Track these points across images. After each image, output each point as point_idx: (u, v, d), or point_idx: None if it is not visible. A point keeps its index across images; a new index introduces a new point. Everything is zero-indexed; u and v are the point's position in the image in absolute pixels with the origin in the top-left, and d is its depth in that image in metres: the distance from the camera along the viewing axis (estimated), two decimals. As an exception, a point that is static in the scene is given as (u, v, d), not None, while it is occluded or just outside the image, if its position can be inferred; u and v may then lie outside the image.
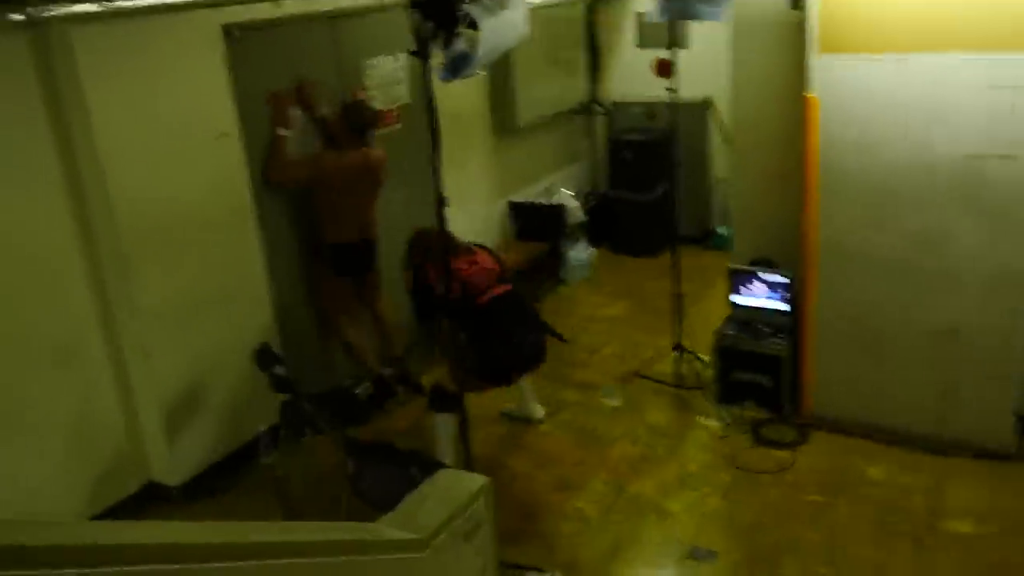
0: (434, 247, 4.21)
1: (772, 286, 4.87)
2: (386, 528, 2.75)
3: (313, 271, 5.18)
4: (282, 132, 4.80)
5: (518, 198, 6.98)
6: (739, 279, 4.98)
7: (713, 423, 4.92)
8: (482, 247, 4.67)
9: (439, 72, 3.23)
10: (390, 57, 5.55)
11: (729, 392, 5.03)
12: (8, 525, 2.19)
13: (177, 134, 4.34)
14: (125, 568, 1.72)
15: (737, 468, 4.51)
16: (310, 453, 4.41)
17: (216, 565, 1.99)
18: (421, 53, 3.21)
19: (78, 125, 4.00)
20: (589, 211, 7.59)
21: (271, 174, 4.82)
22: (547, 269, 7.16)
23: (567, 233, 6.99)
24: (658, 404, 5.20)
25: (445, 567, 2.85)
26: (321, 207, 4.97)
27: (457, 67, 3.15)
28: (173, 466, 4.56)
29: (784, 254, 4.88)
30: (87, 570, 1.63)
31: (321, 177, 4.87)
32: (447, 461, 4.24)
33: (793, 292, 4.80)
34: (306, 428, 4.24)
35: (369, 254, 5.17)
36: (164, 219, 4.32)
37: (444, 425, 4.40)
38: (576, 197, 7.52)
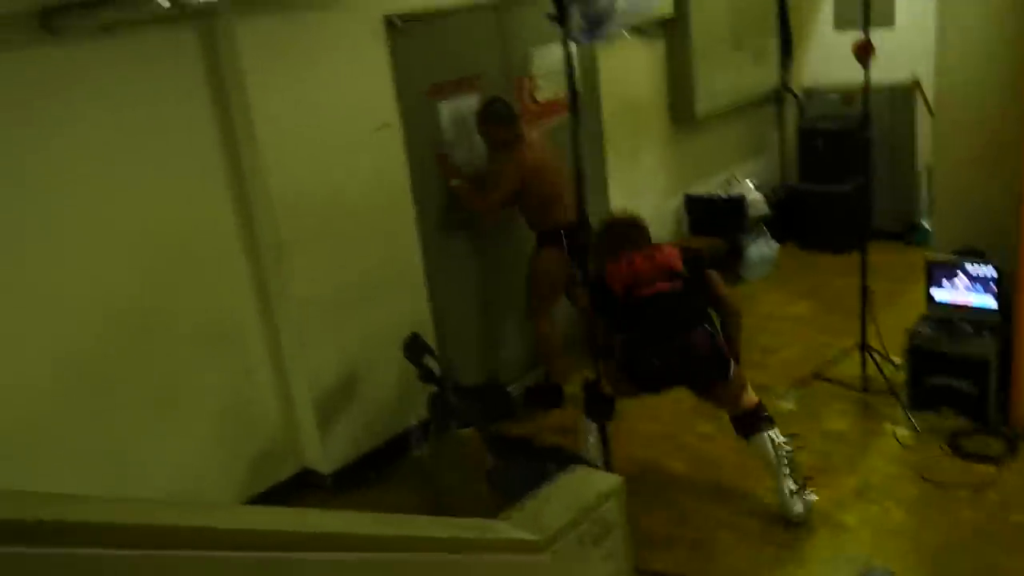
0: (624, 238, 3.96)
1: (977, 280, 4.28)
2: (506, 526, 2.59)
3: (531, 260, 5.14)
4: (455, 183, 4.88)
5: (696, 192, 6.62)
6: (939, 272, 4.42)
7: (902, 431, 4.39)
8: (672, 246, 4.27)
9: (578, 35, 3.05)
10: (558, 45, 5.41)
11: (923, 398, 4.48)
12: (159, 507, 2.24)
13: (337, 125, 4.38)
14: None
15: (927, 481, 3.98)
16: (460, 446, 4.33)
17: (318, 555, 1.91)
18: (559, 17, 3.05)
19: (240, 116, 4.11)
20: (775, 205, 7.11)
21: (486, 217, 4.98)
22: (725, 266, 6.75)
23: (747, 227, 6.55)
24: (838, 410, 4.72)
25: (568, 572, 2.65)
26: (523, 208, 5.01)
27: (594, 28, 2.96)
28: (326, 454, 4.61)
29: (993, 244, 4.29)
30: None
31: (510, 188, 4.85)
32: (592, 460, 3.92)
33: (1003, 287, 4.20)
34: (451, 421, 4.18)
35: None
36: (322, 209, 4.37)
37: (592, 427, 4.03)
38: (761, 190, 7.07)
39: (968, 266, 4.28)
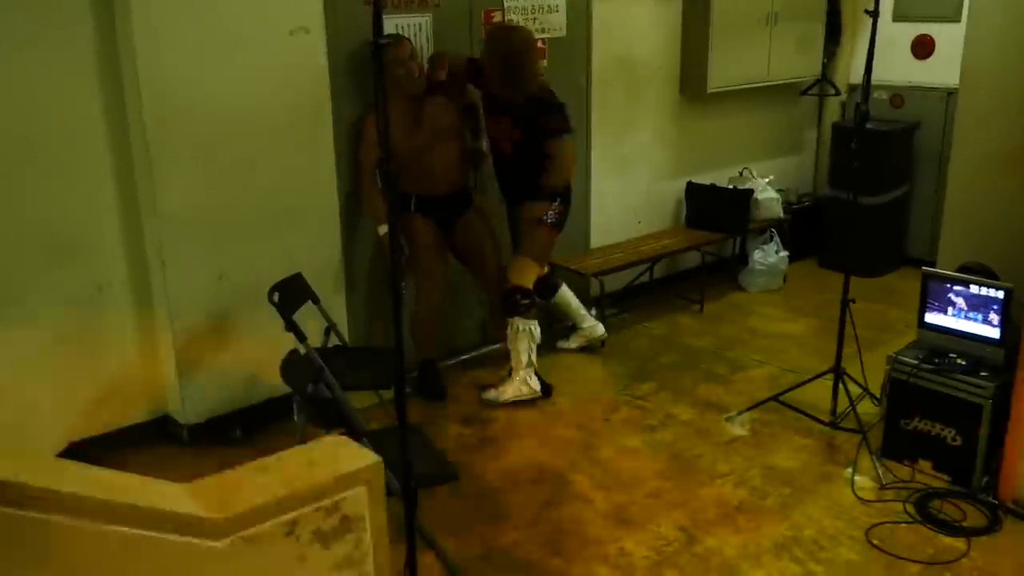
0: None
1: (979, 303, 3.37)
2: (186, 494, 1.87)
3: None
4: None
5: (702, 181, 5.76)
6: (934, 288, 3.52)
7: (864, 481, 3.50)
8: None
9: None
10: (541, -24, 4.67)
11: (898, 443, 3.58)
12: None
13: (240, 22, 3.73)
14: None
15: (875, 547, 3.10)
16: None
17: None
18: None
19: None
20: (798, 212, 6.19)
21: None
22: (723, 269, 5.89)
23: (749, 228, 5.66)
24: (795, 444, 3.84)
25: (263, 572, 1.91)
26: None
27: None
28: (186, 402, 3.95)
29: (1008, 264, 3.39)
30: None
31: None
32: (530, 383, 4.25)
33: (1010, 316, 3.28)
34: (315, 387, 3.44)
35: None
36: (211, 117, 3.72)
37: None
38: (786, 194, 6.16)
39: (972, 286, 3.37)
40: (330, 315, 3.85)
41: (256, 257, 3.97)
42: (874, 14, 3.47)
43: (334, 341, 3.89)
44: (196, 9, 3.61)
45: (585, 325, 4.81)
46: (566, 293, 4.75)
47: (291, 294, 3.70)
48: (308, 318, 3.65)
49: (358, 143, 4.19)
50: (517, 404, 4.22)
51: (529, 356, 4.26)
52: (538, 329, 4.28)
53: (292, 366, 3.47)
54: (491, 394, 4.29)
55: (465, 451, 3.86)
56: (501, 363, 4.46)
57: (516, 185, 4.28)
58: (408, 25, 4.28)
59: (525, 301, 4.15)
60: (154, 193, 3.68)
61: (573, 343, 4.85)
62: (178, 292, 3.83)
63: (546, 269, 4.50)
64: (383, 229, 4.17)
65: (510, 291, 4.16)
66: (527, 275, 4.17)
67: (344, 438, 2.11)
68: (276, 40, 3.86)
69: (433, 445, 3.18)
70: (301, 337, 3.50)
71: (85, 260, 3.72)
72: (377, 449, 2.11)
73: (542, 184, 4.09)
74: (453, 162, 4.31)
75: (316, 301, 3.80)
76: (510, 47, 4.04)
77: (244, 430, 4.06)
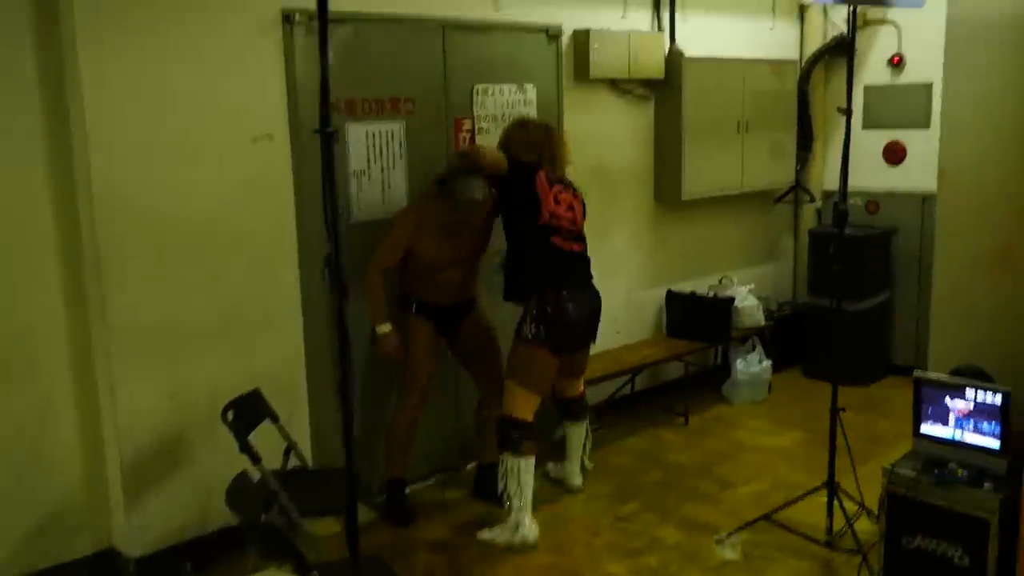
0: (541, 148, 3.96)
1: (979, 410, 3.18)
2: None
3: None
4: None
5: (682, 289, 5.63)
6: (929, 396, 3.33)
7: (867, 608, 3.23)
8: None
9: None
10: (512, 86, 4.64)
11: (900, 564, 3.31)
12: None
13: (202, 127, 3.64)
14: None
15: None
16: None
17: None
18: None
19: (72, 96, 3.40)
20: (779, 321, 6.06)
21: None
22: (706, 380, 5.70)
23: (731, 336, 5.50)
24: (789, 567, 3.58)
25: None
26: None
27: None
28: (133, 532, 3.65)
29: (1001, 365, 3.22)
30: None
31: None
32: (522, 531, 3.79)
33: (1009, 421, 3.09)
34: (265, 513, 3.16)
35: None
36: (167, 222, 3.58)
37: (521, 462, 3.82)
38: (767, 302, 6.04)
39: (968, 391, 3.19)
40: (290, 434, 3.61)
41: (213, 372, 3.76)
42: (847, 112, 3.41)
43: (295, 463, 3.64)
44: (155, 111, 3.51)
45: (568, 468, 4.39)
46: (581, 432, 4.38)
47: (248, 412, 3.48)
48: (270, 438, 3.43)
49: (385, 239, 3.94)
50: (492, 526, 3.93)
51: (522, 499, 3.79)
52: (531, 474, 3.83)
53: (241, 492, 3.21)
54: (485, 535, 3.87)
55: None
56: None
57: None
58: (380, 132, 4.19)
59: (515, 434, 3.78)
60: (104, 302, 3.49)
61: (553, 472, 4.46)
62: (127, 411, 3.58)
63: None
64: (385, 328, 3.91)
65: (500, 422, 3.86)
66: (512, 402, 3.82)
67: (281, 572, 1.87)
68: (239, 146, 3.76)
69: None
70: (255, 459, 3.26)
71: (26, 376, 3.47)
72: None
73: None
74: (472, 278, 4.16)
75: (275, 419, 3.57)
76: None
77: (196, 564, 3.73)
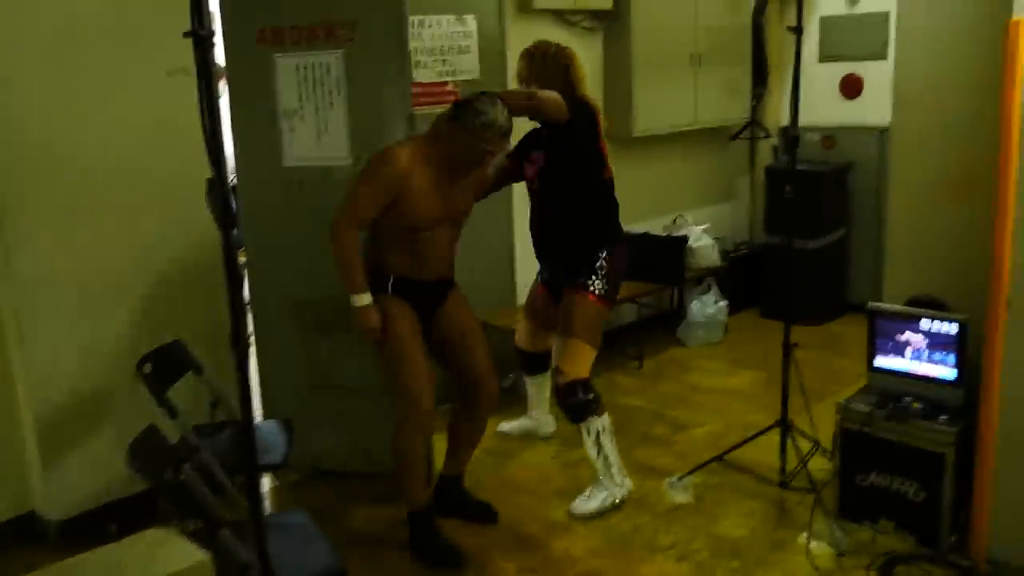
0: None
1: (935, 341, 3.06)
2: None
3: None
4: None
5: (634, 229, 5.45)
6: (883, 328, 3.20)
7: (821, 547, 3.12)
8: None
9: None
10: (450, 17, 4.38)
11: (855, 502, 3.21)
12: None
13: (108, 60, 3.36)
14: None
15: (837, 625, 2.71)
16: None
17: None
18: None
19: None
20: (735, 261, 5.92)
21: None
22: (661, 323, 5.56)
23: (686, 277, 5.36)
24: (744, 509, 3.46)
25: None
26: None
27: None
28: (52, 496, 3.45)
29: (958, 295, 3.09)
30: None
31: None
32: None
33: (966, 352, 2.97)
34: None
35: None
36: (74, 167, 3.32)
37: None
38: (723, 243, 5.89)
39: (923, 321, 3.06)
40: (219, 385, 3.40)
41: (132, 324, 3.53)
42: (797, 30, 3.21)
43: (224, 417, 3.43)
44: (58, 43, 3.22)
45: (541, 417, 4.22)
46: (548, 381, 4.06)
47: (168, 364, 3.26)
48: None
49: (360, 185, 3.10)
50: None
51: (615, 456, 3.52)
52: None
53: (147, 448, 2.98)
54: (575, 507, 3.52)
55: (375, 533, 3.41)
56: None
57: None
58: (313, 65, 3.88)
59: (590, 396, 3.43)
60: (7, 254, 3.23)
61: (507, 428, 4.28)
62: (40, 368, 3.36)
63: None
64: (364, 299, 3.10)
65: (570, 387, 3.41)
66: (584, 364, 3.44)
67: (166, 533, 1.69)
68: (152, 82, 3.49)
69: (323, 534, 2.70)
70: (172, 413, 3.05)
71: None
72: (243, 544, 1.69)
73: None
74: (453, 247, 3.32)
75: (199, 371, 3.35)
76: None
77: (121, 526, 3.54)
